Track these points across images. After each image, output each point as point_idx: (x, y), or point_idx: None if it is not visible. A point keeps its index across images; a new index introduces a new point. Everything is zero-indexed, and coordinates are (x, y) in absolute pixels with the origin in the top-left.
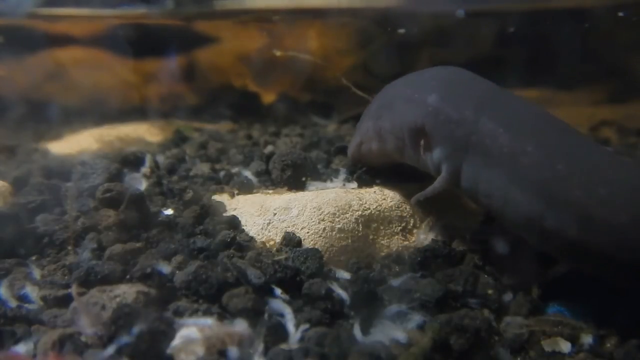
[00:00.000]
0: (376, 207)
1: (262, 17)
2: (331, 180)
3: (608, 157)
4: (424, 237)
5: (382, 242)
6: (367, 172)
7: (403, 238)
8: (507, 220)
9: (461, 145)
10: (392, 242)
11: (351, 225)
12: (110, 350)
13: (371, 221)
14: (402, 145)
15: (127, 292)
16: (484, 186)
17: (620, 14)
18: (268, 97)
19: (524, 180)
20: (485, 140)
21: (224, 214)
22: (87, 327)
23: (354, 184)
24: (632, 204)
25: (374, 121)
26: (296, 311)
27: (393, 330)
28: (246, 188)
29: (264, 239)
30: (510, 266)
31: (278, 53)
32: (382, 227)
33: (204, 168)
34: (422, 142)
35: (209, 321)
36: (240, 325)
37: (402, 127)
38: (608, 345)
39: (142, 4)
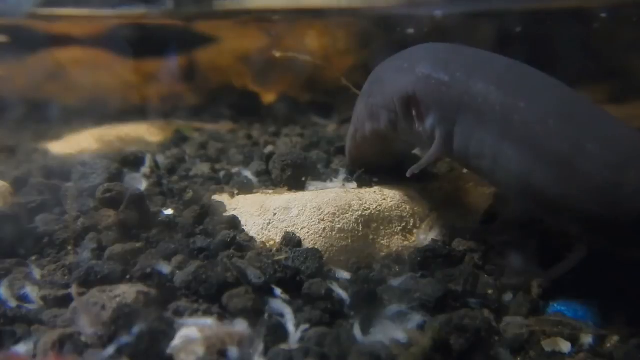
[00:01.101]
0: (376, 207)
1: (262, 17)
2: (331, 180)
3: (600, 114)
4: (424, 237)
5: (382, 242)
6: (366, 172)
7: (403, 238)
8: (497, 180)
9: (453, 107)
10: (392, 242)
11: (351, 225)
12: (110, 350)
13: (371, 221)
14: (395, 118)
15: (127, 292)
16: (476, 146)
17: (603, 14)
18: (268, 97)
19: (515, 137)
20: (477, 99)
21: (224, 214)
22: (87, 327)
23: (354, 184)
24: (618, 161)
25: (366, 101)
26: (296, 311)
27: (393, 330)
28: (246, 188)
29: (264, 239)
30: (510, 266)
31: (278, 54)
32: (382, 227)
33: (204, 168)
34: (414, 111)
35: (209, 321)
36: (240, 325)
37: (394, 98)
38: (608, 345)
39: (142, 4)
